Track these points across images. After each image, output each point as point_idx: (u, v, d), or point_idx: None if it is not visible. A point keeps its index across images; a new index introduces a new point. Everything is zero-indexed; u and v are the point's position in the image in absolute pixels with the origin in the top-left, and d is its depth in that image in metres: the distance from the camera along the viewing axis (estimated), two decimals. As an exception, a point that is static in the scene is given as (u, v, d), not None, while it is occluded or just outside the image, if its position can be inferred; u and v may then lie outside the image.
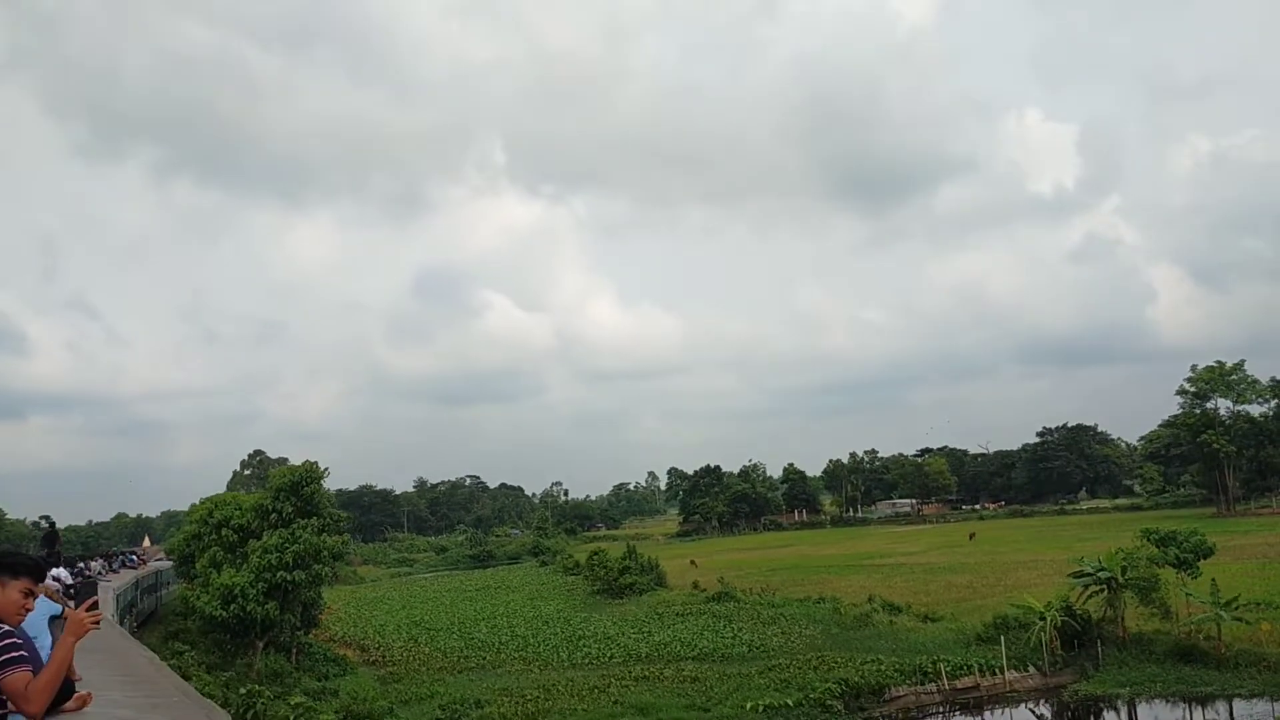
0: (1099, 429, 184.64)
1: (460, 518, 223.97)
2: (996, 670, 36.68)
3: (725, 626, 51.74)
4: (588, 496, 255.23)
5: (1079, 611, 38.25)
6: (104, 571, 41.95)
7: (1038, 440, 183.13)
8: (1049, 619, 36.85)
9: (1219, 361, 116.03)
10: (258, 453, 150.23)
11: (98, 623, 4.93)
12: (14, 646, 4.55)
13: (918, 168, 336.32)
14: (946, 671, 37.40)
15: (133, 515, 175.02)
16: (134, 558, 58.67)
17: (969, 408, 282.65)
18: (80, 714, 5.43)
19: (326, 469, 36.18)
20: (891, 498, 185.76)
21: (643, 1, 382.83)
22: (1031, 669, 36.58)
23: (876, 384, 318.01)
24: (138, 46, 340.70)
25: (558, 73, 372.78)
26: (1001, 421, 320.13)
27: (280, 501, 35.02)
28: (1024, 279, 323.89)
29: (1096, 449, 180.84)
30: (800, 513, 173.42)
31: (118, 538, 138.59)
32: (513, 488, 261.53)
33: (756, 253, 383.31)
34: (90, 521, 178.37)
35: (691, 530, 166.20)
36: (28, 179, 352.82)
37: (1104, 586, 38.90)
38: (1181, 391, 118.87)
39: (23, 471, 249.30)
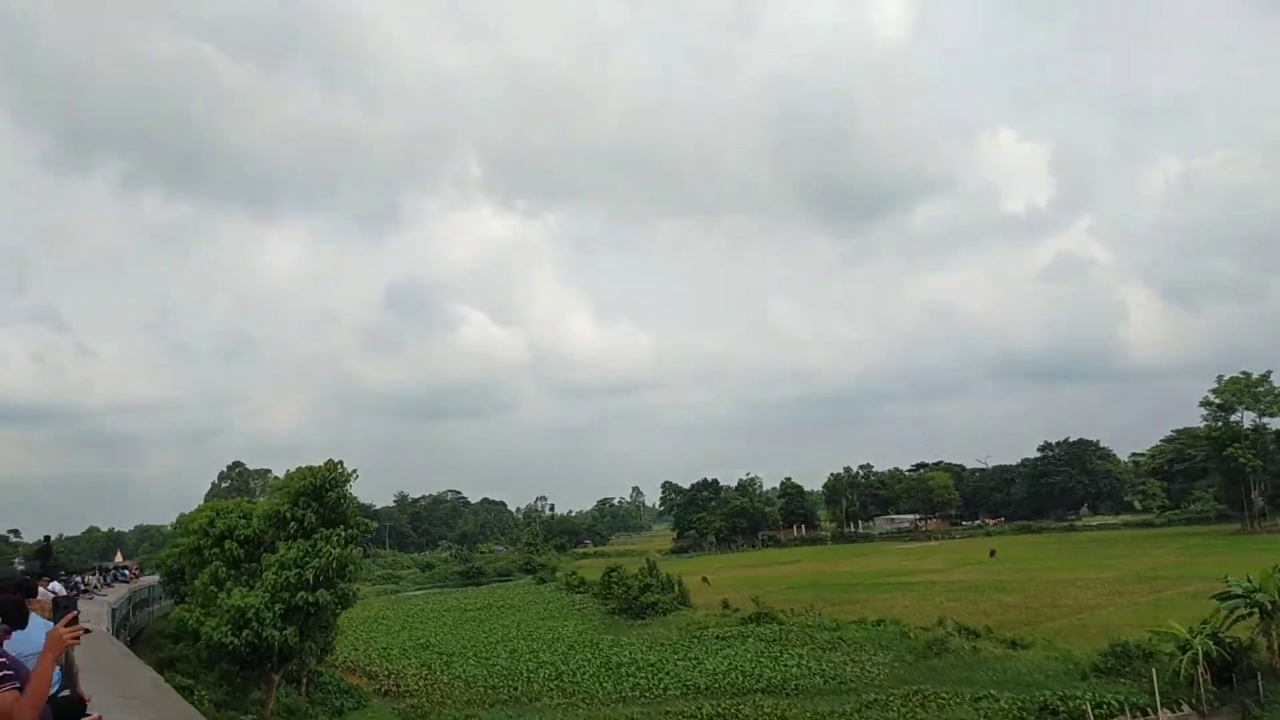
0: (1100, 444, 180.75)
1: (443, 533, 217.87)
2: (1148, 710, 31.39)
3: (781, 652, 46.42)
4: (571, 512, 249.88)
5: (1227, 639, 33.26)
6: (99, 585, 40.10)
7: (1038, 455, 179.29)
8: (1197, 647, 31.78)
9: (1244, 372, 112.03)
10: (237, 464, 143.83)
11: (78, 638, 4.86)
12: (2, 666, 4.49)
13: (892, 186, 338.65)
14: (1093, 711, 31.79)
15: (104, 529, 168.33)
16: (125, 572, 55.61)
17: (942, 424, 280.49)
18: None
19: (354, 471, 30.77)
20: (889, 513, 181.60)
21: (618, 14, 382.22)
22: (1186, 708, 31.39)
23: (850, 399, 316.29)
24: (106, 55, 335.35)
25: (533, 85, 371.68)
26: (978, 436, 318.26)
27: (300, 508, 29.51)
28: (997, 297, 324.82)
29: (1098, 464, 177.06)
30: (799, 528, 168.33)
31: (89, 553, 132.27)
32: (495, 503, 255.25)
33: (730, 268, 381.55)
34: (60, 535, 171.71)
35: (687, 546, 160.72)
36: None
37: (1255, 610, 33.94)
38: (1206, 403, 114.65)
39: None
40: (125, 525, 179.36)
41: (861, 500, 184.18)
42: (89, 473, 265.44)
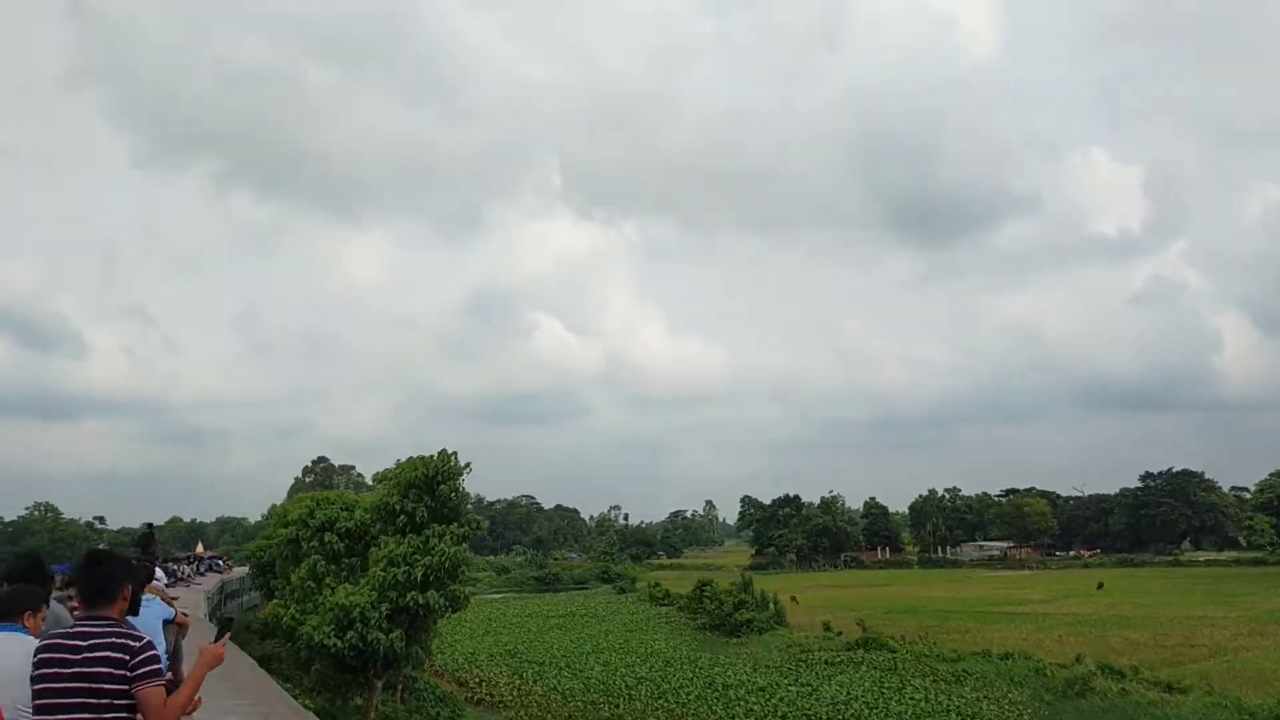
0: (1206, 476, 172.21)
1: (517, 538, 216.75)
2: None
3: (902, 684, 42.80)
4: (643, 522, 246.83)
5: None
6: (192, 575, 39.27)
7: (1139, 485, 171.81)
8: None
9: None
10: (321, 459, 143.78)
11: (221, 658, 5.01)
12: (157, 659, 4.55)
13: (976, 203, 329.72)
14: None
15: (187, 520, 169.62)
16: (219, 563, 55.31)
17: (1022, 450, 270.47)
18: (190, 718, 5.16)
19: (468, 464, 28.20)
20: (976, 539, 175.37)
21: (700, 27, 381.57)
22: None
23: (925, 422, 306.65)
24: (200, 59, 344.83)
25: (614, 96, 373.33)
26: (1061, 464, 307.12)
27: (411, 501, 27.04)
28: (1084, 320, 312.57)
29: (1202, 497, 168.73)
30: (883, 550, 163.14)
31: (171, 542, 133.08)
32: (568, 509, 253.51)
33: (805, 284, 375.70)
34: (144, 524, 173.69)
35: (767, 563, 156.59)
36: (90, 187, 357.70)
37: None
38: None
39: (77, 473, 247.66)
40: (207, 517, 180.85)
41: (947, 524, 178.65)
42: (173, 464, 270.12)
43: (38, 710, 4.42)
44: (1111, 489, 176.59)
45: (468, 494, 27.73)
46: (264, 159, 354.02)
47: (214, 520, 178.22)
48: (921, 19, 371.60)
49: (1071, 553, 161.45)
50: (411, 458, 27.96)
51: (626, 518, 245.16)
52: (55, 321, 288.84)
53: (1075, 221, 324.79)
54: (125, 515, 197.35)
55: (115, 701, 4.40)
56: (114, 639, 4.47)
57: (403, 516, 27.02)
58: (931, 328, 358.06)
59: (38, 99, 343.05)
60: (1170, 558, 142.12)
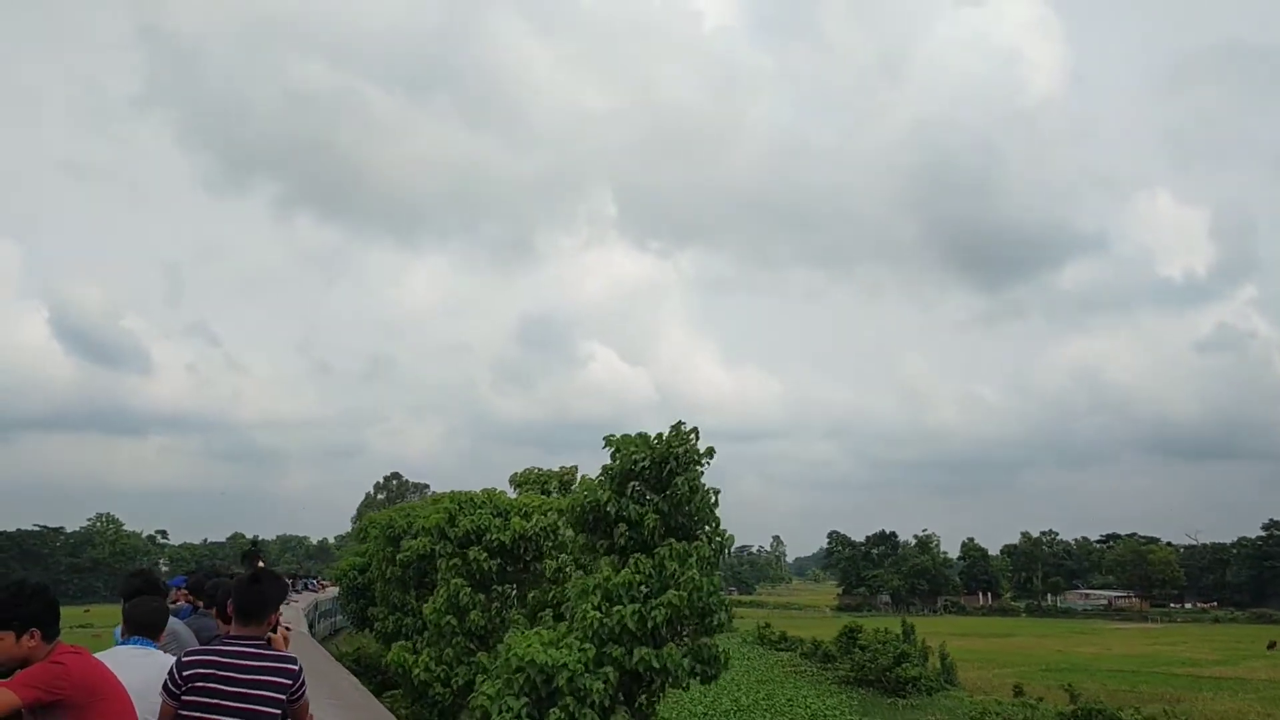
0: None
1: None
2: None
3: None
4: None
5: None
6: (290, 593, 36.22)
7: (1262, 534, 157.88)
8: None
9: None
10: (395, 475, 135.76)
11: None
12: (304, 683, 4.79)
13: (1038, 243, 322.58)
14: None
15: (248, 536, 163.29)
16: (314, 581, 54.62)
17: (1085, 497, 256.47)
18: None
19: (711, 448, 18.50)
20: (1076, 585, 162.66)
21: (761, 59, 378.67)
22: None
23: (984, 464, 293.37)
24: (266, 84, 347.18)
25: (672, 126, 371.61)
26: (1127, 510, 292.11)
27: (633, 501, 17.50)
28: (1148, 366, 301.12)
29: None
30: (986, 596, 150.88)
31: (232, 559, 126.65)
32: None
33: (863, 319, 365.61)
34: (205, 540, 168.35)
35: (858, 604, 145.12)
36: (158, 207, 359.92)
37: None
38: None
39: (141, 487, 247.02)
40: (268, 534, 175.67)
41: (1046, 570, 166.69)
42: (235, 481, 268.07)
43: None
44: (1228, 537, 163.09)
45: (709, 490, 18.14)
46: (326, 182, 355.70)
47: (274, 538, 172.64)
48: (985, 52, 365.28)
49: (1187, 605, 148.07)
50: (626, 435, 18.41)
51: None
52: (123, 338, 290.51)
53: (1140, 264, 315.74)
54: (186, 530, 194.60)
55: None
56: (280, 663, 4.66)
57: (622, 526, 17.50)
58: (991, 368, 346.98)
59: (110, 119, 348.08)
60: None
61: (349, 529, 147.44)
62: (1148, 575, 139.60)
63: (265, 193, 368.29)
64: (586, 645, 16.21)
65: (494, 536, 22.90)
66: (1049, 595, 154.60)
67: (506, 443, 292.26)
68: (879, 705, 50.77)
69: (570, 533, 24.94)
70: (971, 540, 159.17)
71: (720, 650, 16.99)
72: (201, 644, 5.64)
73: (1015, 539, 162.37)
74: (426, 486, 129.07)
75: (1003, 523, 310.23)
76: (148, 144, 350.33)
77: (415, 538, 26.37)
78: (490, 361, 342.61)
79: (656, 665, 16.14)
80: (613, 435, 18.40)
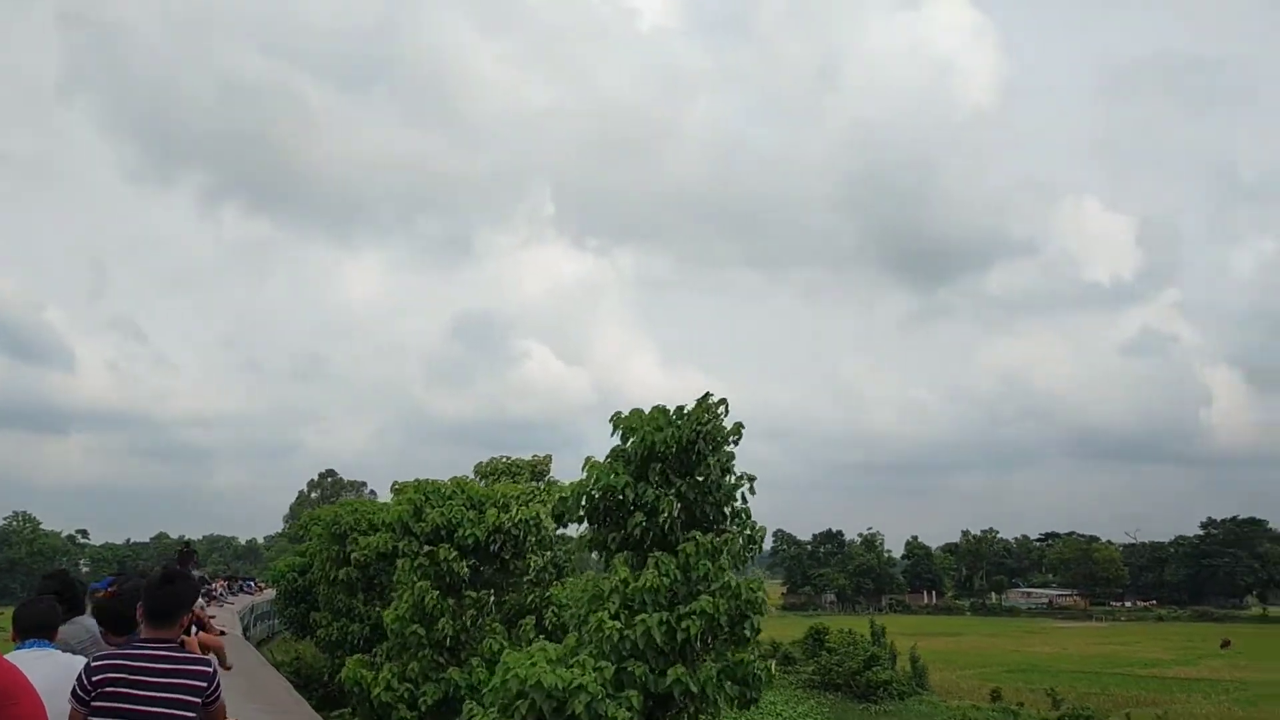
0: (1271, 525, 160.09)
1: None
2: None
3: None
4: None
5: None
6: (224, 594, 39.00)
7: (1200, 534, 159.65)
8: None
9: None
10: (329, 472, 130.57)
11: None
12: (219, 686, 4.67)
13: (970, 247, 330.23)
14: None
15: (174, 536, 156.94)
16: (251, 584, 53.75)
17: (1015, 498, 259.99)
18: None
19: (739, 425, 15.34)
20: (1017, 584, 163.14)
21: (702, 61, 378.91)
22: None
23: (921, 466, 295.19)
24: (197, 73, 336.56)
25: (613, 126, 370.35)
26: (1050, 513, 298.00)
27: (652, 486, 14.29)
28: (1075, 368, 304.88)
29: (1269, 548, 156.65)
30: (930, 594, 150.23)
31: (157, 560, 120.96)
32: (572, 538, 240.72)
33: (802, 321, 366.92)
34: (129, 540, 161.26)
35: (803, 603, 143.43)
36: (82, 198, 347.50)
37: None
38: None
39: (61, 486, 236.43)
40: (195, 534, 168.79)
41: (986, 569, 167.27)
42: (160, 481, 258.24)
43: None
44: (1154, 537, 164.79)
45: (740, 479, 15.12)
46: (257, 176, 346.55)
47: (202, 538, 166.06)
48: (921, 61, 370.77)
49: (1127, 603, 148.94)
50: (636, 410, 15.28)
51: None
52: (44, 333, 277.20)
53: (1068, 268, 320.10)
54: (109, 530, 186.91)
55: None
56: (194, 666, 4.53)
57: (639, 517, 14.37)
58: (926, 370, 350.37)
59: (32, 107, 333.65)
60: (1261, 612, 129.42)
61: (280, 529, 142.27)
62: (1092, 573, 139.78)
63: (193, 185, 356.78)
64: (603, 663, 13.07)
65: (467, 532, 19.65)
66: (993, 594, 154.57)
67: (443, 442, 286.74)
68: (851, 711, 48.34)
69: (553, 525, 21.89)
70: (915, 539, 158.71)
71: (762, 667, 13.94)
72: (75, 651, 5.31)
73: (953, 538, 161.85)
74: (363, 484, 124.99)
75: (941, 523, 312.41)
76: (71, 133, 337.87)
77: (372, 534, 22.93)
78: (426, 360, 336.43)
79: (693, 688, 13.06)
80: (620, 413, 15.25)
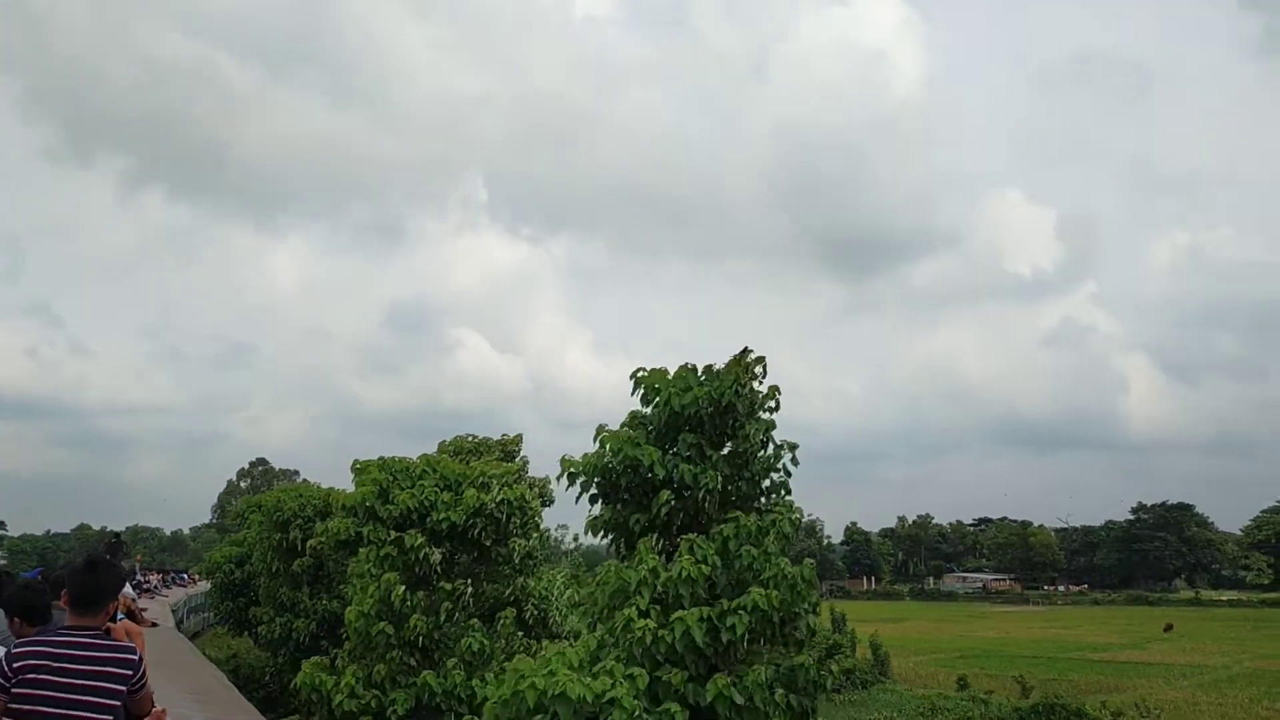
0: (1198, 510, 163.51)
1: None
2: None
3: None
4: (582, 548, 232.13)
5: None
6: (158, 586, 39.04)
7: (1131, 518, 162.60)
8: None
9: None
10: (260, 461, 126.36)
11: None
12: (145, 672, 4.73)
13: (897, 238, 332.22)
14: None
15: (97, 527, 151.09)
16: (184, 576, 53.42)
17: (939, 487, 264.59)
18: None
19: (775, 388, 13.15)
20: (952, 568, 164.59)
21: (635, 50, 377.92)
22: None
23: (852, 455, 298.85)
24: (116, 52, 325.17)
25: (545, 114, 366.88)
26: (977, 500, 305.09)
27: (685, 459, 12.10)
28: (997, 358, 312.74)
29: (1197, 532, 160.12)
30: (870, 580, 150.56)
31: (79, 551, 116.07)
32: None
33: (735, 312, 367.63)
34: (48, 531, 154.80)
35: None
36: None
37: None
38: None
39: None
40: (117, 525, 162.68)
41: (923, 554, 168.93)
42: (81, 471, 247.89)
43: (24, 717, 4.30)
44: (1105, 520, 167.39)
45: (788, 445, 12.93)
46: (179, 158, 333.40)
47: (125, 529, 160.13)
48: (850, 54, 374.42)
49: (1060, 587, 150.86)
50: (657, 370, 12.97)
51: (576, 539, 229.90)
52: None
53: (992, 260, 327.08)
54: (27, 522, 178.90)
55: (110, 715, 4.43)
56: (119, 654, 4.52)
57: (665, 495, 12.13)
58: (855, 360, 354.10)
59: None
60: (1193, 594, 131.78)
61: (208, 519, 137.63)
62: (1029, 558, 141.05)
63: (114, 167, 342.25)
64: (635, 670, 10.80)
65: (441, 516, 17.19)
66: (930, 578, 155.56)
67: (375, 432, 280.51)
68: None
69: (539, 506, 19.55)
70: (854, 525, 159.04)
71: (823, 674, 11.79)
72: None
73: (889, 524, 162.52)
74: (295, 473, 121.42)
75: (875, 510, 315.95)
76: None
77: (327, 519, 20.36)
78: (357, 348, 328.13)
79: (739, 700, 10.86)
80: (642, 370, 12.96)
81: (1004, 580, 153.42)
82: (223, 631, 37.80)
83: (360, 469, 18.42)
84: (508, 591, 19.37)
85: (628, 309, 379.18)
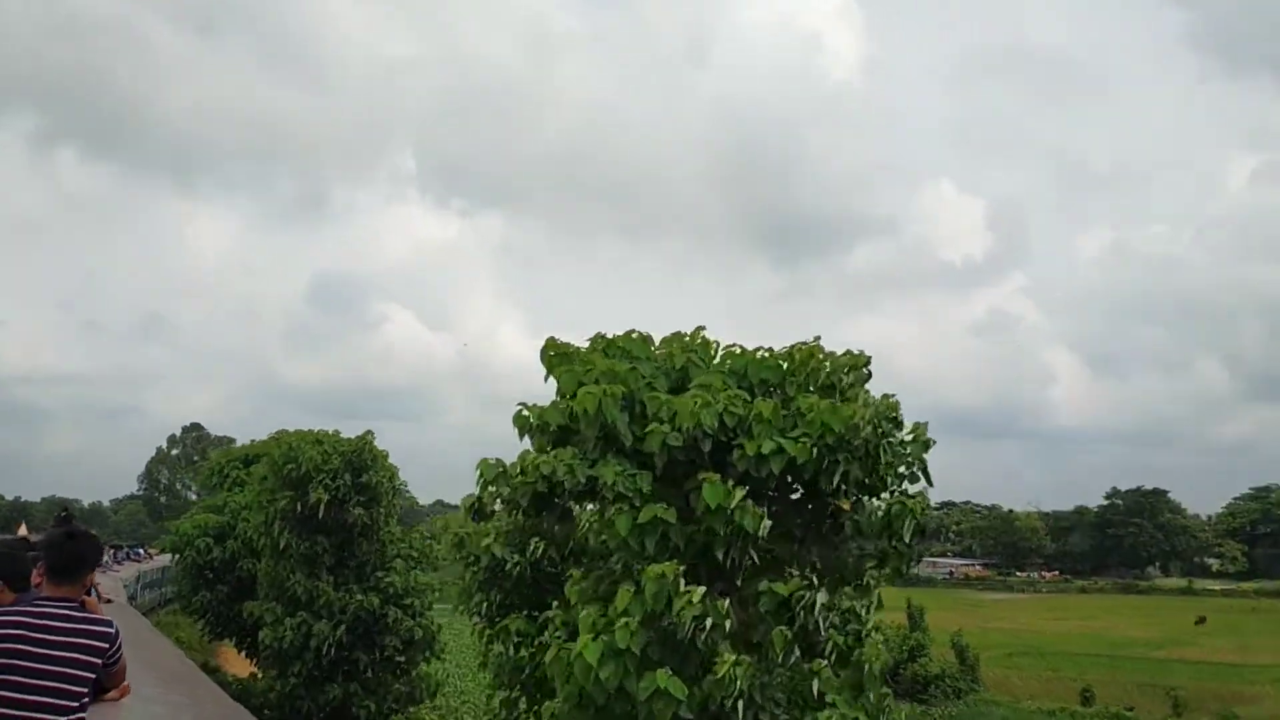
0: (1171, 497, 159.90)
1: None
2: None
3: None
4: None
5: None
6: (109, 562, 38.98)
7: (1104, 504, 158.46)
8: None
9: None
10: (194, 426, 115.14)
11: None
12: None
13: (832, 224, 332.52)
14: None
15: (9, 498, 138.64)
16: (140, 551, 52.71)
17: None
18: (117, 705, 5.56)
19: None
20: (928, 554, 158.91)
21: (571, 23, 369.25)
22: None
23: None
24: (26, 4, 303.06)
25: (478, 84, 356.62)
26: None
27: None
28: (928, 347, 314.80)
29: (1170, 519, 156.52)
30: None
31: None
32: (451, 506, 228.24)
33: (671, 293, 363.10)
34: (60, 506, 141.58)
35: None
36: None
37: None
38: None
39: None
40: (32, 496, 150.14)
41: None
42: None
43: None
44: (1075, 505, 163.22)
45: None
46: (93, 118, 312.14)
47: (40, 500, 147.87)
48: (787, 36, 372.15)
49: (1032, 574, 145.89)
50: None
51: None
52: None
53: (924, 249, 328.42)
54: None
55: (86, 687, 4.39)
56: (95, 626, 4.47)
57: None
58: (787, 345, 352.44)
59: None
60: (1185, 583, 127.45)
61: (132, 490, 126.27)
62: (1014, 542, 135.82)
63: (20, 126, 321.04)
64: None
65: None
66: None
67: (300, 408, 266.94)
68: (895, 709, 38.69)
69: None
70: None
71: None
72: None
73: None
74: (232, 440, 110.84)
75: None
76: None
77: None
78: (280, 322, 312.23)
79: None
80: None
81: (972, 566, 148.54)
82: (190, 627, 28.39)
83: (559, 351, 9.53)
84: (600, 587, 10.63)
85: (562, 287, 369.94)
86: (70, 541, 4.59)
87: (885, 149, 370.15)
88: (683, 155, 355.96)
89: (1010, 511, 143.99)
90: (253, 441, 29.59)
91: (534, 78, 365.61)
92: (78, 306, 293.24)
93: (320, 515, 19.43)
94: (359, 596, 19.99)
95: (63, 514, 20.71)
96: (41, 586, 4.69)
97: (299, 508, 19.64)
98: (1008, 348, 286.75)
